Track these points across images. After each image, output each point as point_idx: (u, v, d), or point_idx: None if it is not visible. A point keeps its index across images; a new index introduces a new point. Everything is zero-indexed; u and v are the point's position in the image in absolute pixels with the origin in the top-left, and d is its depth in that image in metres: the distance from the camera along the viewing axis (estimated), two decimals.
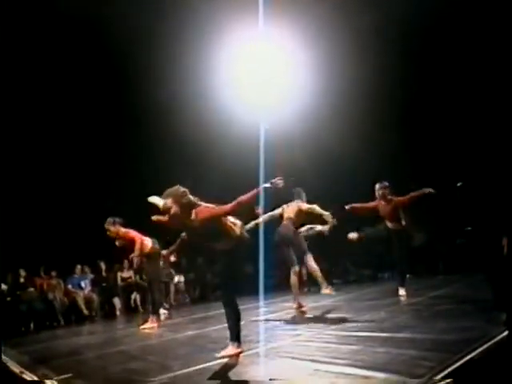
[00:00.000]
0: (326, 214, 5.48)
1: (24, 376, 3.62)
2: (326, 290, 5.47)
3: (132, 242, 5.72)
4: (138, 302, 8.50)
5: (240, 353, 3.45)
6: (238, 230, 3.52)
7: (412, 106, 8.62)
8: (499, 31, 6.64)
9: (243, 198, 3.31)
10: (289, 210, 5.63)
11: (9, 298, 7.39)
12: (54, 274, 8.14)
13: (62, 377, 3.49)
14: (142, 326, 5.77)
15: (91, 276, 8.55)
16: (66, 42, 7.30)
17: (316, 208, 5.56)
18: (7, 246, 5.05)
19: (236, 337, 3.48)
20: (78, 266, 8.34)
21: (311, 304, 5.94)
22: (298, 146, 9.15)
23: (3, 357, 3.99)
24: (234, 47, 7.53)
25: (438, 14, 6.86)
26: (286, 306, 6.18)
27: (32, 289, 7.75)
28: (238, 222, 3.58)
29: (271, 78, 8.03)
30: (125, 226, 5.80)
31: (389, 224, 5.91)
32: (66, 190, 8.66)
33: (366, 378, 2.56)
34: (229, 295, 3.50)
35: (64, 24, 6.92)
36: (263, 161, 7.65)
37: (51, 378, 3.49)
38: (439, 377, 2.40)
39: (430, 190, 5.49)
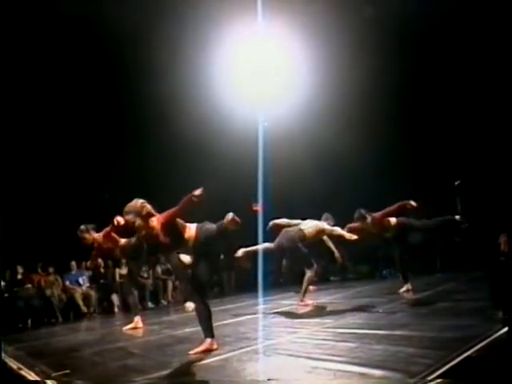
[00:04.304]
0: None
1: (22, 372, 3.63)
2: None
3: (113, 242, 5.38)
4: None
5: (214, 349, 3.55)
6: (193, 231, 3.64)
7: (411, 103, 8.61)
8: (499, 29, 6.63)
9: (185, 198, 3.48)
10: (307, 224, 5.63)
11: (6, 295, 7.38)
12: (51, 270, 8.12)
13: (60, 373, 3.49)
14: (127, 327, 5.54)
15: (89, 272, 8.53)
16: (65, 39, 7.26)
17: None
18: (5, 243, 5.03)
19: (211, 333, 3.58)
20: (73, 263, 8.31)
21: (308, 302, 5.94)
22: (297, 142, 9.14)
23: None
24: (232, 45, 7.52)
25: (437, 11, 6.84)
26: (285, 304, 6.19)
27: (30, 285, 7.74)
28: (193, 225, 3.69)
29: (270, 75, 8.02)
30: (97, 231, 5.44)
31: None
32: (62, 185, 8.63)
33: (363, 375, 2.56)
34: (196, 294, 3.64)
35: (63, 22, 6.88)
36: (262, 157, 7.67)
37: (49, 375, 3.49)
38: (436, 374, 2.40)
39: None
